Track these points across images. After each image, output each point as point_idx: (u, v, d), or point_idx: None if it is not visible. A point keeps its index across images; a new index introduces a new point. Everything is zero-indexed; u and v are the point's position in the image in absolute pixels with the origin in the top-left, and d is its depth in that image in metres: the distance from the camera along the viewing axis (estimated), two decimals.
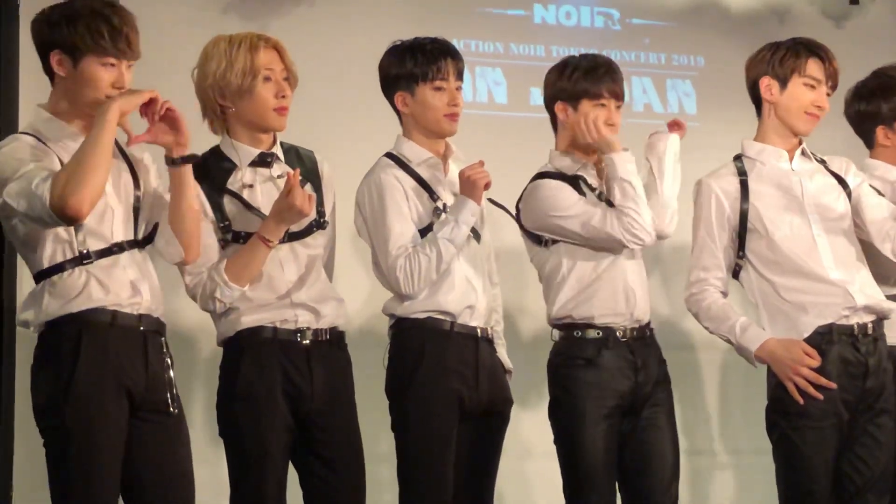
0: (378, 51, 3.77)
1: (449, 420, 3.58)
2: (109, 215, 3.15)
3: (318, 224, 3.51)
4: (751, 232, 3.74)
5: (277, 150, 3.54)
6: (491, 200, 3.87)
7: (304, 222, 3.47)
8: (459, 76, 3.69)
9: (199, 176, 3.43)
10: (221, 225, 3.44)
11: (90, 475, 3.05)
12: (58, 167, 3.06)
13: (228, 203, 3.45)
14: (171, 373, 3.18)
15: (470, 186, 3.62)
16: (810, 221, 3.72)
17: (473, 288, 3.66)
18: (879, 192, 3.90)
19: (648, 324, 3.78)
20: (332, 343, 3.49)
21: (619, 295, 3.71)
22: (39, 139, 3.14)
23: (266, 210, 3.42)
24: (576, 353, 3.70)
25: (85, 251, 3.11)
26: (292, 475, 3.48)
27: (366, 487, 3.51)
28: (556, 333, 3.77)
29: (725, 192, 3.76)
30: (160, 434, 3.15)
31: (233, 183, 3.47)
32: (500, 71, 5.12)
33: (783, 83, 3.75)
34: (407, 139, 3.71)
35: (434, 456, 3.57)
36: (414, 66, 3.64)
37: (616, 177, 3.68)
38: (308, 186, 3.46)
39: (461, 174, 3.65)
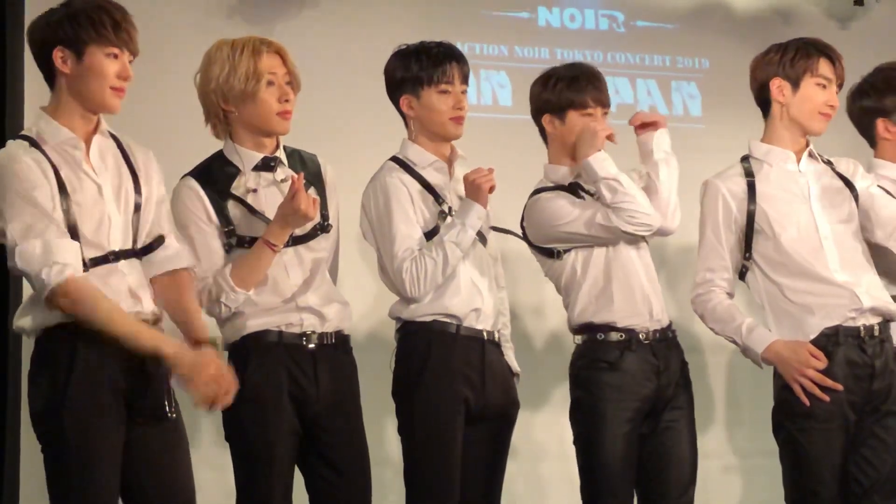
0: (382, 54, 3.78)
1: (455, 423, 3.58)
2: (107, 224, 3.13)
3: (322, 227, 3.52)
4: (757, 233, 3.73)
5: (281, 154, 3.54)
6: (496, 228, 3.88)
7: (309, 226, 3.47)
8: (465, 80, 3.70)
9: (204, 181, 3.43)
10: (226, 230, 3.44)
11: (88, 481, 3.04)
12: (46, 204, 3.04)
13: (233, 208, 3.46)
14: (170, 378, 3.16)
15: (475, 190, 3.62)
16: (817, 223, 3.72)
17: (479, 291, 3.66)
18: (889, 193, 3.90)
19: (670, 325, 3.79)
20: (338, 346, 3.50)
21: (636, 295, 3.72)
22: (37, 144, 3.11)
23: (270, 214, 3.42)
24: (598, 355, 3.70)
25: (82, 259, 3.08)
26: (298, 479, 3.48)
27: (371, 490, 3.50)
28: (579, 338, 3.77)
29: (732, 193, 3.76)
30: (158, 439, 3.14)
31: (237, 188, 3.47)
32: (505, 74, 5.12)
33: (795, 84, 3.74)
34: (412, 143, 3.72)
35: (440, 459, 3.57)
36: (419, 69, 3.65)
37: (598, 178, 3.68)
38: (312, 190, 3.46)
39: (465, 178, 3.65)
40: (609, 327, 3.70)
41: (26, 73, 4.40)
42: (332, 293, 3.53)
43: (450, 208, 3.68)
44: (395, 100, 3.73)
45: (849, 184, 3.80)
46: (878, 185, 3.87)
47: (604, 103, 3.79)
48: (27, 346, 3.22)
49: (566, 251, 3.76)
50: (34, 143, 3.12)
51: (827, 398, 3.59)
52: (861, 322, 3.66)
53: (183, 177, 3.49)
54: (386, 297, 3.75)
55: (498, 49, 5.14)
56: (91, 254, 3.11)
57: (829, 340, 3.64)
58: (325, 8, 4.93)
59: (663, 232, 3.79)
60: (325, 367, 3.45)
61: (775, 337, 3.68)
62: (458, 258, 3.60)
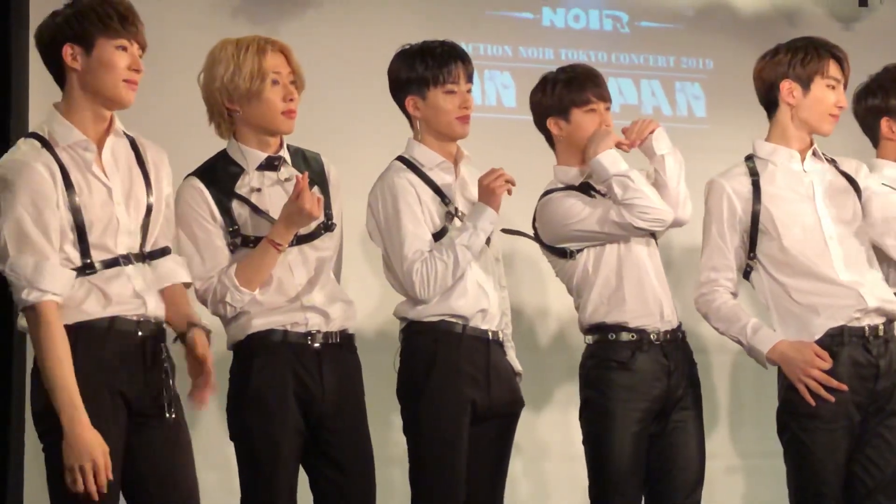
0: (386, 54, 3.78)
1: (461, 423, 3.58)
2: (114, 226, 3.13)
3: (326, 226, 3.51)
4: (762, 233, 3.73)
5: (284, 154, 3.54)
6: (506, 230, 3.88)
7: (313, 225, 3.47)
8: (469, 79, 3.70)
9: (208, 181, 3.43)
10: (230, 229, 3.44)
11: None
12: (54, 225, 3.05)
13: (237, 207, 3.46)
14: (171, 378, 3.16)
15: (489, 194, 3.63)
16: (821, 223, 3.72)
17: (485, 292, 3.66)
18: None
19: (680, 325, 3.79)
20: (343, 346, 3.49)
21: (648, 296, 3.73)
22: (49, 146, 3.11)
23: (275, 214, 3.42)
24: (609, 355, 3.71)
25: (89, 262, 3.10)
26: (302, 478, 3.48)
27: (376, 490, 3.50)
28: (590, 338, 3.77)
29: (737, 192, 3.75)
30: (159, 439, 3.13)
31: (241, 187, 3.47)
32: (509, 74, 5.12)
33: (806, 86, 3.74)
34: (418, 143, 3.71)
35: (446, 459, 3.57)
36: (425, 69, 3.64)
37: (609, 175, 3.68)
38: (316, 189, 3.46)
39: (480, 182, 3.65)
40: (620, 327, 3.71)
41: (31, 72, 4.40)
42: (337, 292, 3.53)
43: (456, 209, 3.67)
44: (399, 100, 3.73)
45: (853, 183, 3.80)
46: (884, 184, 3.87)
47: (605, 98, 3.79)
48: (31, 346, 3.23)
49: (578, 251, 3.76)
50: (45, 144, 3.12)
51: (832, 398, 3.59)
52: (866, 322, 3.66)
53: (187, 176, 3.48)
54: (391, 297, 3.75)
55: (502, 49, 5.14)
56: (100, 256, 3.11)
57: (834, 341, 3.64)
58: (328, 8, 4.93)
59: (677, 223, 3.79)
60: (330, 366, 3.45)
61: (780, 337, 3.67)
62: (468, 261, 3.60)
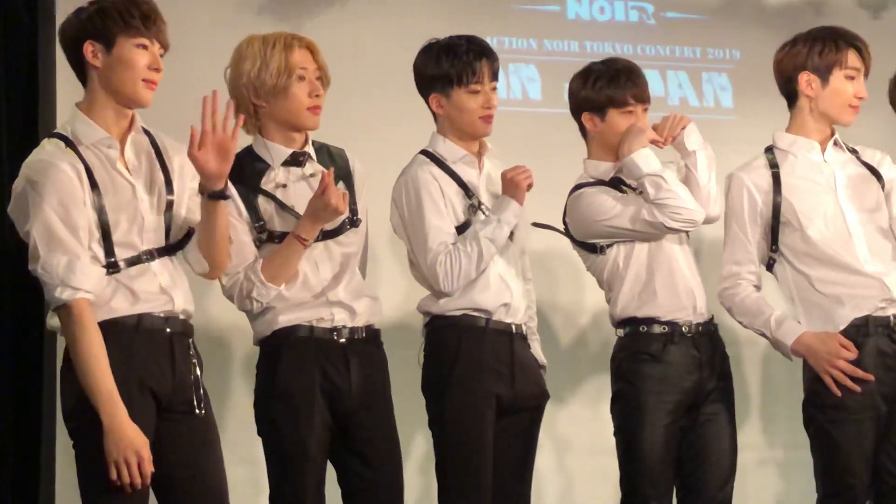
0: (411, 48, 3.77)
1: (486, 417, 3.58)
2: (139, 223, 3.15)
3: (352, 222, 3.52)
4: (784, 225, 3.71)
5: (309, 149, 3.55)
6: (537, 224, 3.88)
7: (338, 220, 3.48)
8: (494, 76, 3.69)
9: (233, 177, 3.44)
10: (256, 225, 3.45)
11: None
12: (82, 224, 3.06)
13: (263, 203, 3.47)
14: (199, 374, 3.18)
15: (513, 187, 3.63)
16: (844, 213, 3.70)
17: (508, 285, 3.66)
18: None
19: (712, 318, 3.78)
20: (368, 341, 3.50)
21: (679, 289, 3.72)
22: (73, 145, 3.12)
23: (300, 209, 3.43)
24: (641, 347, 3.70)
25: (113, 260, 3.12)
26: (330, 473, 3.49)
27: (403, 484, 3.51)
28: (621, 331, 3.77)
29: (757, 185, 3.74)
30: (188, 435, 3.15)
31: (266, 183, 3.48)
32: (535, 67, 5.11)
33: (824, 78, 3.72)
34: (442, 137, 3.72)
35: (472, 453, 3.57)
36: (449, 68, 3.64)
37: (642, 174, 3.68)
38: (341, 184, 3.47)
39: (503, 175, 3.65)
40: (652, 320, 3.70)
41: (58, 71, 4.42)
42: (362, 288, 3.54)
43: (479, 202, 3.67)
44: (424, 96, 3.73)
45: (875, 172, 3.78)
46: None
47: (643, 99, 3.78)
48: (62, 344, 3.25)
49: (608, 246, 3.76)
50: (69, 143, 3.13)
51: (858, 389, 3.57)
52: (891, 312, 3.64)
53: None
54: (416, 293, 3.75)
55: (527, 42, 5.13)
56: (125, 254, 3.13)
57: (859, 331, 3.62)
58: (353, 3, 4.93)
59: (708, 220, 3.78)
60: (357, 361, 3.46)
61: (804, 329, 3.66)
62: (492, 254, 3.59)
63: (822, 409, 3.64)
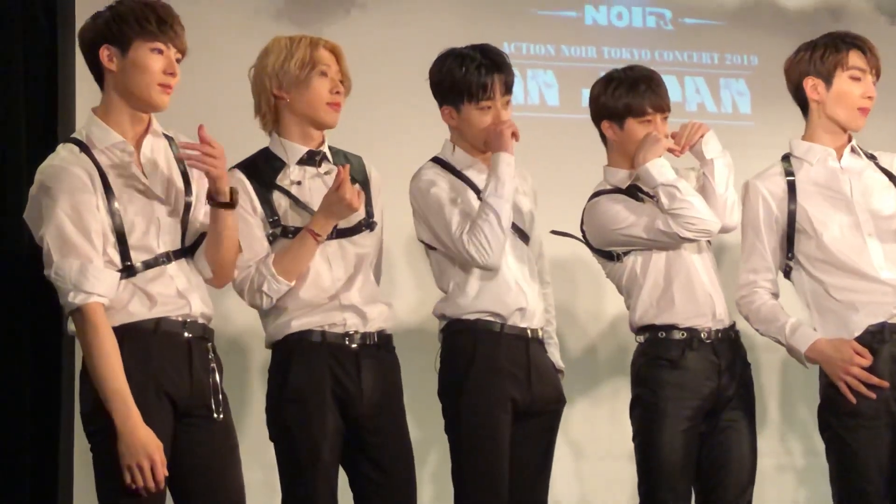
0: (429, 55, 3.78)
1: (502, 421, 3.58)
2: (155, 227, 3.16)
3: (367, 224, 3.53)
4: (799, 232, 3.70)
5: (325, 150, 3.56)
6: (555, 232, 3.89)
7: (354, 219, 3.49)
8: (508, 90, 3.67)
9: (248, 174, 3.46)
10: (271, 220, 3.46)
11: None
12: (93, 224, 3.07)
13: (278, 198, 3.48)
14: (218, 378, 3.18)
15: (497, 138, 3.61)
16: (860, 220, 3.68)
17: (523, 290, 3.66)
18: None
19: (733, 325, 3.78)
20: (381, 346, 3.50)
21: (698, 296, 3.72)
22: (87, 149, 3.13)
23: (315, 205, 3.45)
24: (660, 353, 3.70)
25: (129, 264, 3.12)
26: (342, 477, 3.49)
27: (416, 489, 3.51)
28: (640, 337, 3.77)
29: (772, 193, 3.73)
30: (206, 439, 3.15)
31: (282, 179, 3.50)
32: (552, 73, 5.11)
33: (828, 81, 3.71)
34: (454, 145, 3.73)
35: (488, 458, 3.56)
36: (461, 83, 3.63)
37: (657, 184, 3.67)
38: (356, 185, 3.47)
39: (487, 129, 3.62)
40: (671, 327, 3.70)
41: (77, 76, 4.44)
42: (376, 293, 3.54)
43: None
44: (439, 104, 3.73)
45: (893, 178, 3.76)
46: None
47: (662, 108, 3.77)
48: (80, 348, 3.26)
49: (626, 254, 3.76)
50: (84, 148, 3.14)
51: (873, 395, 3.56)
52: None
53: (229, 169, 3.50)
54: (430, 298, 3.75)
55: (545, 48, 5.13)
56: (141, 257, 3.13)
57: (874, 338, 3.60)
58: (371, 9, 4.94)
59: (724, 230, 3.78)
60: (369, 366, 3.46)
61: (819, 335, 3.65)
62: (507, 210, 3.57)
63: (837, 415, 3.63)
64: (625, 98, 3.74)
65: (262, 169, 3.50)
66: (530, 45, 5.10)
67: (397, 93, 4.81)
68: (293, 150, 3.52)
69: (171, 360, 3.13)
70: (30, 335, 4.56)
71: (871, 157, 3.79)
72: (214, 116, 4.40)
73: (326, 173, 3.52)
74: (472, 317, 3.61)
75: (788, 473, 5.13)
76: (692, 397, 3.67)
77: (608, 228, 3.75)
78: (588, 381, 4.91)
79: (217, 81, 4.26)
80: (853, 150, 3.78)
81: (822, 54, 3.72)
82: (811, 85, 3.73)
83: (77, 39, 3.24)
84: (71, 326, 3.14)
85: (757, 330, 3.79)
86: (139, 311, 3.12)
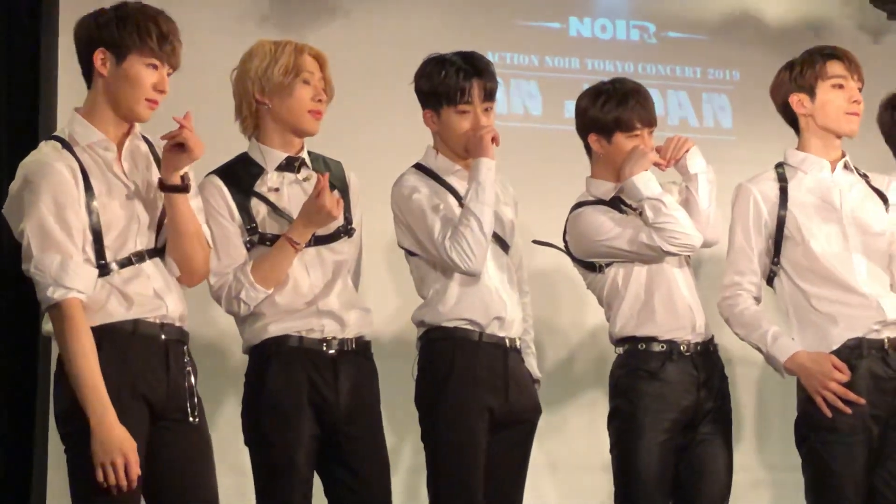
0: (413, 62, 3.78)
1: (479, 430, 3.57)
2: (135, 226, 3.15)
3: (346, 231, 3.52)
4: (787, 239, 3.72)
5: (305, 156, 3.55)
6: (537, 241, 3.88)
7: (332, 227, 3.48)
8: (489, 96, 3.67)
9: (227, 180, 3.45)
10: (248, 227, 3.46)
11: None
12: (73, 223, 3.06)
13: (256, 205, 3.47)
14: (193, 381, 3.17)
15: (477, 143, 3.61)
16: (847, 233, 3.70)
17: (503, 299, 3.66)
18: None
19: (712, 339, 3.79)
20: (358, 352, 3.50)
21: (679, 309, 3.73)
22: (69, 146, 3.13)
23: (293, 213, 3.44)
24: (640, 364, 3.71)
25: (104, 263, 3.11)
26: (317, 484, 3.48)
27: (391, 497, 3.50)
28: (620, 349, 3.77)
29: (765, 196, 3.74)
30: (181, 442, 3.14)
31: (260, 186, 3.49)
32: (535, 84, 5.12)
33: (811, 93, 3.73)
34: (436, 151, 3.73)
35: (464, 466, 3.56)
36: (439, 86, 3.64)
37: (642, 198, 3.68)
38: (335, 193, 3.46)
39: (467, 135, 3.62)
40: (651, 339, 3.71)
41: (60, 75, 4.43)
42: (354, 299, 3.54)
43: None
44: (422, 109, 3.73)
45: (883, 197, 3.78)
46: None
47: (650, 123, 3.79)
48: (56, 348, 3.25)
49: (608, 265, 3.76)
50: (66, 145, 3.13)
51: (849, 410, 3.57)
52: (886, 335, 3.63)
53: (207, 175, 3.50)
54: (409, 305, 3.75)
55: (528, 59, 5.14)
56: (117, 256, 3.12)
57: (853, 353, 3.62)
58: (356, 16, 4.95)
59: (706, 244, 3.78)
60: (346, 373, 3.45)
61: (799, 347, 3.65)
62: (489, 215, 3.57)
63: (813, 429, 3.63)
64: (614, 112, 3.75)
65: (240, 175, 3.49)
66: (514, 55, 5.11)
67: (379, 99, 4.81)
68: (272, 155, 3.52)
69: (148, 362, 3.12)
70: (5, 334, 4.54)
71: (864, 176, 3.81)
72: (196, 119, 4.40)
73: (305, 179, 3.51)
74: (451, 324, 3.61)
75: (763, 488, 5.14)
76: (670, 410, 3.67)
77: (591, 239, 3.75)
78: (567, 391, 4.91)
79: (200, 85, 4.24)
80: (846, 165, 3.80)
81: (801, 70, 3.75)
82: (797, 101, 3.75)
83: (74, 31, 3.20)
84: (47, 327, 3.13)
85: (737, 334, 3.78)
86: (117, 312, 3.11)
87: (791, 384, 3.78)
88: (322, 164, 3.58)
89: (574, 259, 3.84)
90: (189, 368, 3.18)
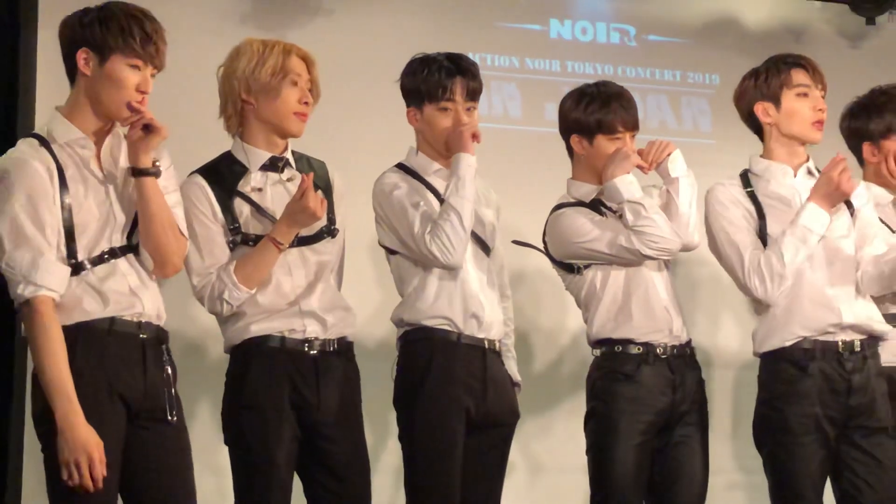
0: (394, 63, 3.79)
1: (456, 431, 3.58)
2: (110, 224, 3.14)
3: (329, 231, 3.52)
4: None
5: (289, 156, 3.55)
6: (517, 242, 3.90)
7: (315, 227, 3.48)
8: (472, 96, 3.68)
9: (210, 179, 3.44)
10: (231, 227, 3.45)
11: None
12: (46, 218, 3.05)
13: (239, 205, 3.47)
14: (172, 380, 3.16)
15: (458, 139, 3.62)
16: None
17: (481, 301, 3.66)
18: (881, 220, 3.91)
19: (689, 342, 3.80)
20: (340, 353, 3.49)
21: (656, 311, 3.74)
22: (46, 143, 3.12)
23: (277, 213, 3.43)
24: (616, 367, 3.71)
25: (75, 261, 3.10)
26: (297, 485, 3.48)
27: (371, 499, 3.50)
28: (597, 351, 3.78)
29: (738, 196, 3.77)
30: (159, 441, 3.13)
31: (243, 186, 3.48)
32: (515, 86, 5.13)
33: (776, 102, 3.76)
34: (419, 151, 3.73)
35: (441, 467, 3.56)
36: (422, 83, 3.65)
37: (623, 201, 3.70)
38: (319, 193, 3.46)
39: (447, 132, 3.63)
40: (628, 341, 3.72)
41: (38, 74, 4.41)
42: (336, 299, 3.53)
43: None
44: (406, 107, 3.74)
45: (847, 201, 3.81)
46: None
47: (632, 126, 3.80)
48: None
49: (586, 267, 3.77)
50: (44, 143, 3.13)
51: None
52: (841, 337, 3.67)
53: (190, 174, 3.49)
54: (392, 305, 3.75)
55: (509, 60, 5.15)
56: (90, 254, 3.12)
57: (806, 354, 3.66)
58: (337, 16, 4.94)
59: (685, 248, 3.80)
60: (327, 374, 3.44)
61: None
62: (469, 209, 3.58)
63: (770, 433, 3.69)
64: (597, 114, 3.76)
65: (224, 174, 3.48)
66: (495, 56, 5.12)
67: (361, 99, 4.81)
68: (255, 155, 3.51)
69: (125, 361, 3.11)
70: None
71: None
72: (177, 119, 4.39)
73: (289, 180, 3.51)
74: (430, 323, 3.61)
75: (738, 490, 5.15)
76: (646, 412, 3.68)
77: (570, 241, 3.76)
78: (548, 393, 4.92)
79: (180, 82, 4.23)
80: (809, 171, 3.82)
81: (765, 78, 3.79)
82: (762, 109, 3.78)
83: (58, 29, 3.19)
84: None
85: (787, 266, 3.65)
86: (94, 310, 3.10)
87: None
88: (306, 163, 3.57)
89: (553, 260, 3.85)
90: (168, 367, 3.17)
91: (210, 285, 3.42)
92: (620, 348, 3.72)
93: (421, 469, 3.58)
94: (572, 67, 5.15)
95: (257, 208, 3.46)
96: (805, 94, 3.76)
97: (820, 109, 3.76)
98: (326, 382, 3.43)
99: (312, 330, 3.45)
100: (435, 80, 3.63)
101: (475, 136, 3.63)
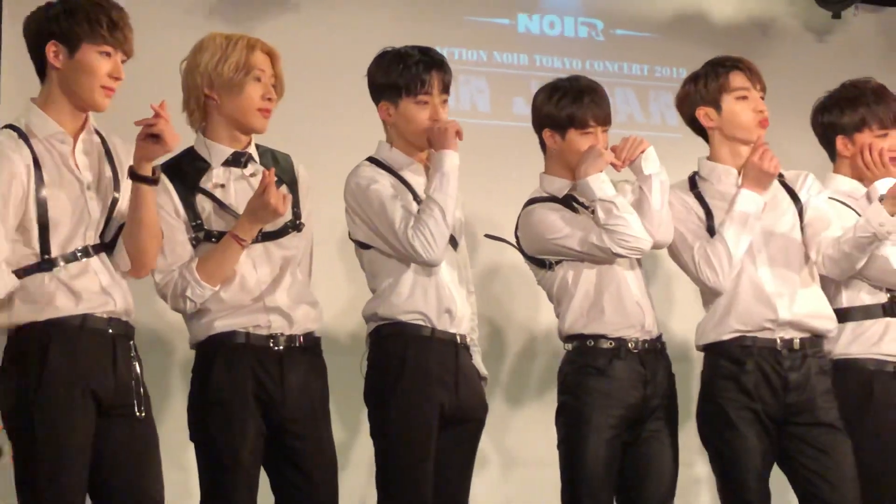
0: (363, 57, 3.77)
1: (430, 427, 3.57)
2: (86, 221, 3.15)
3: (294, 226, 3.50)
4: None
5: (252, 151, 3.53)
6: (489, 236, 3.90)
7: (279, 222, 3.46)
8: (445, 89, 3.68)
9: (172, 175, 3.42)
10: (193, 224, 3.43)
11: (56, 477, 3.04)
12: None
13: (201, 202, 3.45)
14: (140, 376, 3.17)
15: (441, 135, 3.61)
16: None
17: (453, 295, 3.66)
18: (849, 207, 3.92)
19: (660, 336, 3.82)
20: (307, 349, 3.48)
21: (627, 306, 3.75)
22: (25, 137, 3.12)
23: (239, 209, 3.42)
24: (588, 361, 3.73)
25: (48, 257, 3.09)
26: (264, 480, 3.47)
27: (338, 494, 3.49)
28: (569, 345, 3.79)
29: (685, 197, 3.83)
30: (128, 437, 3.14)
31: (205, 182, 3.46)
32: (484, 79, 5.13)
33: (717, 106, 3.81)
34: (389, 145, 3.71)
35: (414, 463, 3.56)
36: (399, 77, 3.64)
37: (595, 199, 3.70)
38: (284, 187, 3.45)
39: (429, 129, 3.63)
40: (600, 336, 3.73)
41: (3, 68, 4.38)
42: (303, 294, 3.51)
43: None
44: (376, 103, 3.72)
45: (794, 196, 3.83)
46: (831, 198, 3.89)
47: (604, 121, 3.81)
48: (1, 344, 3.22)
49: (558, 263, 3.78)
50: (22, 136, 3.13)
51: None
52: (779, 335, 3.71)
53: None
54: (360, 300, 3.74)
55: (477, 54, 5.15)
56: (63, 250, 3.12)
57: (743, 351, 3.70)
58: (305, 10, 4.93)
59: (657, 246, 3.81)
60: (293, 369, 3.43)
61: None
62: (451, 206, 3.57)
63: (712, 428, 3.74)
64: (568, 109, 3.77)
65: (186, 170, 3.46)
66: (462, 50, 5.12)
67: (328, 93, 4.80)
68: (218, 151, 3.49)
69: (97, 357, 3.12)
70: None
71: (778, 176, 3.86)
72: (142, 113, 4.36)
73: (252, 175, 3.49)
74: (404, 318, 3.60)
75: (703, 484, 5.17)
76: (617, 406, 3.70)
77: (542, 237, 3.77)
78: (521, 386, 4.92)
79: (147, 77, 4.20)
80: None
81: (704, 83, 3.83)
82: (703, 114, 3.83)
83: (23, 27, 3.20)
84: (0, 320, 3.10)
85: (728, 244, 3.71)
86: (66, 307, 3.10)
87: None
88: (270, 157, 3.56)
89: (525, 255, 3.86)
90: (136, 363, 3.18)
91: (173, 283, 3.40)
92: (592, 343, 3.73)
93: (394, 466, 3.57)
94: (540, 61, 5.15)
95: (220, 204, 3.44)
96: (744, 97, 3.80)
97: (760, 111, 3.80)
98: (292, 378, 3.42)
99: (277, 325, 3.43)
100: (412, 74, 3.62)
101: (458, 134, 3.62)
